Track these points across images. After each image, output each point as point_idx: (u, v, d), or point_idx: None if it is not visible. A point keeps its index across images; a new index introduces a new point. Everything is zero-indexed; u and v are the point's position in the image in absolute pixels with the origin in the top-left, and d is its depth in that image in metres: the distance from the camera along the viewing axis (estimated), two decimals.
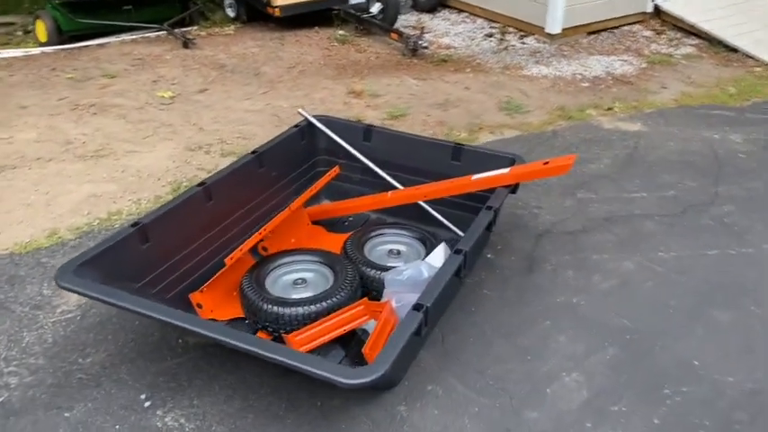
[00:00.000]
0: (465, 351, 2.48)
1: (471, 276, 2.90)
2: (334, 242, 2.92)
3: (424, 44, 5.78)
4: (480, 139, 4.27)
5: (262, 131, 4.18)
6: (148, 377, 2.32)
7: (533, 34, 6.26)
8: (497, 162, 2.95)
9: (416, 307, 1.96)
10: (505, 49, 6.03)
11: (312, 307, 2.36)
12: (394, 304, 2.25)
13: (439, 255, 2.42)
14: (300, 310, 2.35)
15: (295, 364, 1.74)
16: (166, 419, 2.15)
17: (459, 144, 3.09)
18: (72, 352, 2.42)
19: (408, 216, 3.14)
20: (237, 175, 2.80)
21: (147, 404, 2.21)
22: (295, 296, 2.52)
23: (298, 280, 2.59)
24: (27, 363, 2.36)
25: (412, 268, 2.33)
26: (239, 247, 2.45)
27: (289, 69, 5.35)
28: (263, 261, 2.65)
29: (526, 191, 3.57)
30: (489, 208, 2.54)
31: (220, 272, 2.49)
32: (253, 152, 2.94)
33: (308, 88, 4.98)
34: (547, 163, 2.67)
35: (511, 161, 2.93)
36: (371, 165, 3.21)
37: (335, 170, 3.05)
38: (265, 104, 4.66)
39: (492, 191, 2.71)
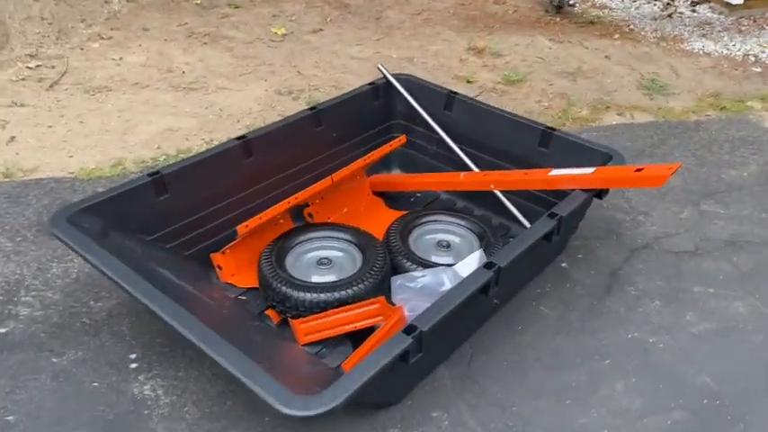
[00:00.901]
0: (492, 377, 2.10)
1: (531, 288, 2.47)
2: (388, 219, 2.60)
3: (572, 0, 5.11)
4: (604, 121, 3.68)
5: (359, 82, 3.87)
6: (147, 336, 2.19)
7: (709, 1, 5.31)
8: (590, 157, 2.45)
9: (408, 329, 1.62)
10: (670, 16, 5.18)
11: (322, 295, 2.09)
12: (406, 312, 1.92)
13: (471, 263, 2.03)
14: (309, 296, 2.10)
15: (236, 374, 1.48)
16: (145, 387, 2.02)
17: (549, 128, 2.60)
18: (88, 293, 2.35)
19: (483, 203, 2.74)
20: (287, 132, 2.55)
21: (133, 365, 2.09)
22: (315, 278, 2.27)
23: (323, 259, 2.32)
24: (43, 295, 2.33)
25: (431, 275, 1.96)
26: (259, 215, 2.21)
27: (413, 16, 4.96)
28: (292, 231, 2.40)
29: (635, 189, 3.00)
30: (553, 216, 2.08)
31: (242, 236, 2.29)
32: (311, 108, 2.66)
33: (426, 39, 4.58)
34: (640, 170, 2.13)
35: (606, 158, 2.41)
36: (447, 138, 2.82)
37: (401, 139, 2.70)
38: (374, 53, 4.34)
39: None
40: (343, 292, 2.10)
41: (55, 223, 1.91)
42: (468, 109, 2.80)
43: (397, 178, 2.88)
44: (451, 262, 2.32)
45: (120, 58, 4.08)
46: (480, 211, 2.80)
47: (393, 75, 2.95)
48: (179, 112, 3.53)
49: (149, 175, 2.17)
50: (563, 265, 2.61)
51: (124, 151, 3.17)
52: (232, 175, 2.40)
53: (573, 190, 2.25)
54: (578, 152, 2.50)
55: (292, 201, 2.30)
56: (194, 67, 4.04)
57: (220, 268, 2.36)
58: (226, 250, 2.34)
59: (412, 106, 2.88)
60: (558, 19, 5.04)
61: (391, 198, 2.85)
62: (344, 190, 2.74)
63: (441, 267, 2.02)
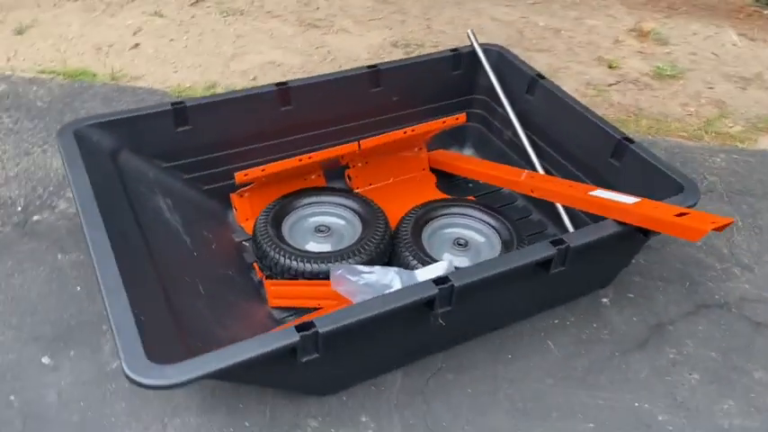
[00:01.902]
0: (447, 402, 1.87)
1: (548, 316, 2.14)
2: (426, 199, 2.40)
3: None
4: (757, 144, 3.03)
5: None
6: None
7: None
8: (659, 182, 2.02)
9: (302, 326, 1.47)
10: None
11: (300, 264, 1.99)
12: (355, 300, 1.75)
13: (432, 272, 1.77)
14: (285, 261, 2.01)
15: (109, 316, 1.44)
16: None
17: (626, 139, 2.17)
18: None
19: (544, 205, 2.40)
20: (335, 87, 2.41)
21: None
22: (312, 244, 2.16)
23: (322, 227, 2.20)
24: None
25: (380, 273, 1.75)
26: (262, 167, 2.14)
27: None
28: (300, 192, 2.30)
29: (749, 234, 2.45)
30: (558, 243, 1.74)
31: (259, 182, 2.24)
32: (370, 66, 2.49)
33: (588, 10, 4.07)
34: (681, 215, 1.69)
35: (676, 189, 1.96)
36: (518, 126, 2.49)
37: (459, 117, 2.43)
38: (520, 17, 3.96)
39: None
40: (315, 266, 1.99)
41: (61, 133, 2.01)
42: (549, 98, 2.43)
43: (455, 160, 2.62)
44: (466, 264, 2.09)
45: None
46: (538, 215, 2.47)
47: (483, 45, 2.65)
48: (290, 47, 3.53)
49: (173, 104, 2.19)
50: (603, 300, 2.22)
51: (222, 77, 3.25)
52: (265, 120, 2.33)
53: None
54: (648, 173, 2.07)
55: (305, 159, 2.19)
56: (332, 3, 4.00)
57: (236, 210, 2.35)
58: (244, 193, 2.32)
59: (499, 80, 2.57)
60: (767, 12, 4.19)
61: (448, 178, 2.61)
62: (396, 159, 2.57)
63: (396, 268, 1.79)
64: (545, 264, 1.75)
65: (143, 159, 2.18)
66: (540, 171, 2.42)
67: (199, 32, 3.59)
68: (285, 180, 2.35)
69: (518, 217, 2.43)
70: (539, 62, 3.46)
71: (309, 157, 2.20)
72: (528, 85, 2.50)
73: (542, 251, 1.73)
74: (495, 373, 1.97)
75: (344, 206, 2.27)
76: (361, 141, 2.28)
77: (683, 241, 2.46)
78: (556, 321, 2.13)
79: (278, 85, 2.33)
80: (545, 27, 3.85)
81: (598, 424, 1.85)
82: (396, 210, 2.29)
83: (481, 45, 2.63)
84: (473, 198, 2.50)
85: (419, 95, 2.60)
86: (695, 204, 1.91)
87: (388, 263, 2.12)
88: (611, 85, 3.35)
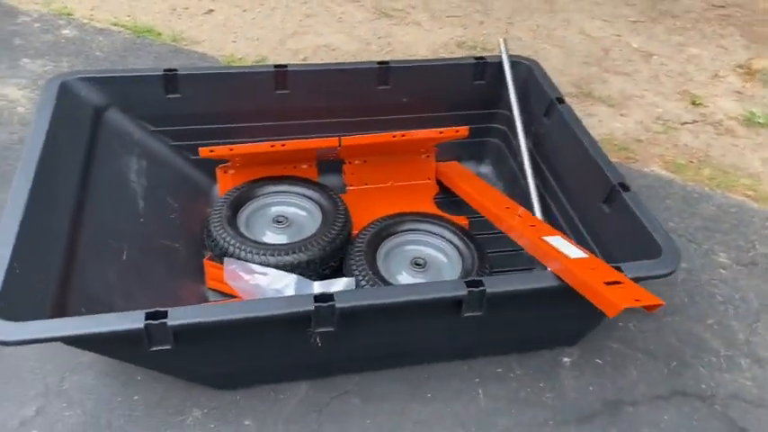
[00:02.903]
0: (339, 427, 1.75)
1: (496, 362, 1.93)
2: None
3: None
4: None
5: (563, 64, 3.29)
6: None
7: None
8: (641, 241, 1.74)
9: (153, 314, 1.41)
10: None
11: (237, 251, 1.93)
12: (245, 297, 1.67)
13: (330, 287, 1.63)
14: (224, 244, 1.96)
15: None
16: None
17: (622, 185, 1.88)
18: None
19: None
20: (337, 78, 2.31)
21: None
22: (267, 234, 2.10)
23: (281, 217, 2.13)
24: None
25: (274, 277, 1.64)
26: (231, 146, 2.10)
27: (713, 7, 3.92)
28: (267, 179, 2.24)
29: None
30: (474, 285, 1.54)
31: (245, 161, 2.22)
32: (380, 62, 2.36)
33: (697, 38, 3.61)
34: (612, 284, 1.43)
35: (656, 251, 1.67)
36: (524, 152, 2.26)
37: (460, 131, 2.24)
38: (613, 34, 3.60)
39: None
40: (252, 255, 1.92)
41: (49, 82, 2.09)
42: (561, 124, 2.18)
43: (459, 176, 2.43)
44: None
45: None
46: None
47: (515, 56, 2.43)
48: (353, 33, 3.46)
49: (165, 70, 2.21)
50: (565, 359, 1.97)
51: (273, 53, 3.26)
52: (257, 100, 2.29)
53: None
54: (633, 228, 1.79)
55: (277, 146, 2.13)
56: None
57: (219, 184, 2.35)
58: (228, 169, 2.31)
59: (522, 98, 2.35)
60: None
61: (451, 193, 2.43)
62: (399, 162, 2.44)
63: (295, 276, 1.68)
64: (458, 304, 1.56)
65: (130, 120, 2.22)
66: (537, 208, 2.18)
67: (272, 6, 3.63)
68: (273, 164, 2.31)
69: (510, 249, 2.21)
70: (611, 86, 3.13)
71: (282, 145, 2.13)
72: (546, 108, 2.26)
73: (450, 289, 1.55)
74: (404, 410, 1.81)
75: (311, 199, 2.19)
76: (343, 138, 2.18)
77: (693, 313, 2.13)
78: (499, 370, 1.93)
79: (276, 66, 2.28)
80: (636, 49, 3.47)
81: None
82: (380, 215, 2.17)
83: (513, 57, 2.41)
84: (466, 219, 2.31)
85: (433, 101, 2.44)
86: (671, 273, 1.63)
87: (340, 266, 2.02)
88: (684, 123, 2.96)
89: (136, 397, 1.79)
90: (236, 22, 3.47)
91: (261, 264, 1.88)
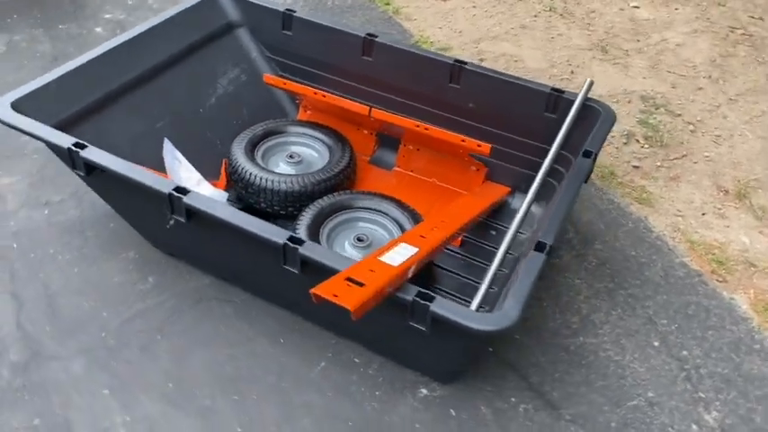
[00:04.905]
0: (183, 329, 1.99)
1: (361, 353, 1.94)
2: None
3: None
4: None
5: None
6: None
7: None
8: None
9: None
10: None
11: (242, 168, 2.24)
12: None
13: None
14: (235, 161, 2.28)
15: None
16: None
17: (542, 246, 1.66)
18: None
19: None
20: (412, 62, 2.40)
21: None
22: (282, 166, 2.38)
23: (294, 154, 2.38)
24: None
25: (186, 170, 1.91)
26: (324, 93, 2.40)
27: None
28: (290, 122, 2.51)
29: None
30: (296, 242, 1.61)
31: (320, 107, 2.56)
32: (456, 60, 2.36)
33: None
34: (351, 282, 1.37)
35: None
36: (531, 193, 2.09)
37: (483, 146, 2.18)
38: None
39: None
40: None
41: None
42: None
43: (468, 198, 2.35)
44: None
45: (632, 7, 3.88)
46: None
47: (595, 100, 2.20)
48: (551, 54, 3.37)
49: (285, 9, 2.59)
50: (422, 390, 1.86)
51: (462, 48, 3.39)
52: (346, 60, 2.53)
53: None
54: None
55: (319, 95, 2.38)
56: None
57: (299, 114, 2.69)
58: (308, 108, 2.64)
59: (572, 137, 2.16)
60: None
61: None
62: (448, 166, 2.48)
63: (206, 184, 1.93)
64: (281, 255, 1.66)
65: (254, 40, 2.69)
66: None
67: (500, 10, 3.72)
68: (340, 120, 2.56)
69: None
70: None
71: (324, 96, 2.39)
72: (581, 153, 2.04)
73: (274, 234, 1.66)
74: (256, 336, 1.96)
75: (326, 146, 2.43)
76: (374, 109, 2.32)
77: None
78: (356, 360, 1.92)
79: (368, 34, 2.48)
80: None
81: None
82: (408, 202, 2.25)
83: (591, 101, 2.20)
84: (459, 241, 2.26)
85: (498, 117, 2.36)
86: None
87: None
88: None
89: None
90: (458, 14, 3.67)
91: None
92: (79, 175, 1.94)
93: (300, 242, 1.64)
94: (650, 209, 2.51)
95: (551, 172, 2.20)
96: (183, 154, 2.33)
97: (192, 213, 1.76)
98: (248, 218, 1.70)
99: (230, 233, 1.72)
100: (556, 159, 2.18)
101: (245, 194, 2.24)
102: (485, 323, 1.49)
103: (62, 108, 2.11)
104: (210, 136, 2.50)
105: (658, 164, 2.72)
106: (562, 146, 2.19)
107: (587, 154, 2.00)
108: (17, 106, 1.99)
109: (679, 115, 2.98)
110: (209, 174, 2.41)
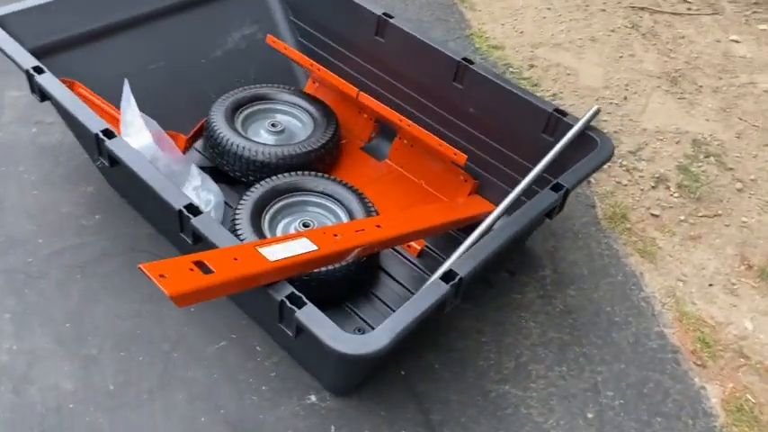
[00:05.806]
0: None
1: (261, 337, 1.84)
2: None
3: None
4: None
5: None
6: None
7: None
8: None
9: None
10: None
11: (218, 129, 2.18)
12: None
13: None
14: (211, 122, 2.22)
15: None
16: None
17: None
18: None
19: None
20: (424, 53, 2.22)
21: None
22: (263, 134, 2.29)
23: (276, 123, 2.28)
24: None
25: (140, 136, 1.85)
26: (328, 72, 2.28)
27: None
28: (283, 89, 2.39)
29: None
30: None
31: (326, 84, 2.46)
32: (464, 58, 2.16)
33: None
34: (196, 264, 1.26)
35: None
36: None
37: (459, 155, 1.99)
38: None
39: None
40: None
41: None
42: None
43: (448, 210, 2.14)
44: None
45: (731, 40, 3.45)
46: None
47: (597, 131, 1.95)
48: (610, 74, 3.06)
49: None
50: (311, 396, 1.73)
51: (516, 51, 3.16)
52: (360, 38, 2.40)
53: None
54: None
55: (315, 67, 2.27)
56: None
57: (307, 84, 2.59)
58: (316, 81, 2.54)
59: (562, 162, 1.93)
60: None
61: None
62: (438, 171, 2.32)
63: (152, 144, 1.86)
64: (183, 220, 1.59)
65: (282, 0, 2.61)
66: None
67: (574, 17, 3.42)
68: (342, 99, 2.43)
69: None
70: None
71: (319, 69, 2.29)
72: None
73: (175, 198, 1.58)
74: None
75: (312, 117, 2.33)
76: (361, 93, 2.19)
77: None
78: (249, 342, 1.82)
79: (384, 14, 2.33)
80: None
81: None
82: (384, 203, 2.14)
83: (593, 131, 1.95)
84: (423, 243, 2.09)
85: (496, 128, 2.17)
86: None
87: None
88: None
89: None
90: (527, 13, 3.41)
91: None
92: (37, 99, 1.94)
93: (197, 212, 1.55)
94: (650, 265, 2.22)
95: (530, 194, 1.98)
96: (170, 101, 2.29)
97: (115, 160, 1.71)
98: (156, 175, 1.63)
99: (145, 188, 1.66)
100: (537, 181, 1.96)
101: (211, 153, 2.18)
102: (344, 344, 1.34)
103: (48, 33, 2.10)
104: (206, 88, 2.44)
105: (682, 218, 2.40)
106: (550, 170, 1.96)
107: (557, 187, 1.76)
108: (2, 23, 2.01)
109: (731, 169, 2.61)
110: (187, 128, 2.35)
